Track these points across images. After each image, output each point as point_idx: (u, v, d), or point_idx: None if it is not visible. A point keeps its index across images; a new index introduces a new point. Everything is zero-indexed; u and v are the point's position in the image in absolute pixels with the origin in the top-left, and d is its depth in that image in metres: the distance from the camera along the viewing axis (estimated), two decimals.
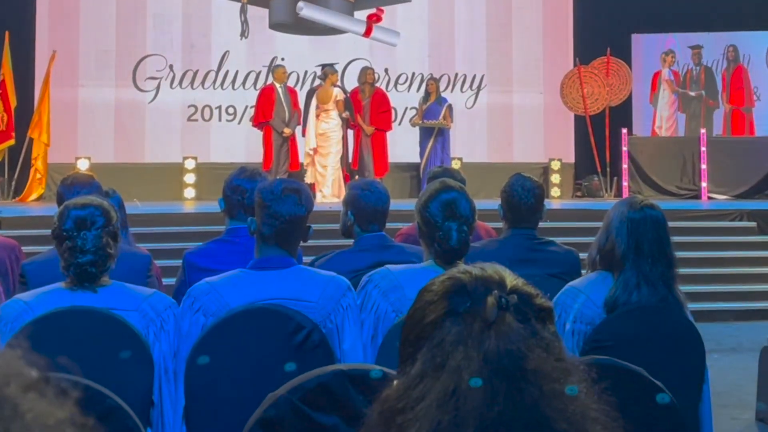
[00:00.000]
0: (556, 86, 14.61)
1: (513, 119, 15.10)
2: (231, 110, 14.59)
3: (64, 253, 2.92)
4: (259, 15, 14.67)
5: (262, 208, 3.11)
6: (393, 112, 13.58)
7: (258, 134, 13.03)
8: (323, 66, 13.42)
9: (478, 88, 15.07)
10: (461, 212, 3.17)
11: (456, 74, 15.03)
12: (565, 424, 1.15)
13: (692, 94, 14.99)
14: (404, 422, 1.16)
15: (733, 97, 14.90)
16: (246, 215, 3.57)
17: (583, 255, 3.85)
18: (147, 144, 14.28)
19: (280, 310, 2.93)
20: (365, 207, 3.98)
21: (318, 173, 12.53)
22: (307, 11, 14.26)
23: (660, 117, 14.99)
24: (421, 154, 13.10)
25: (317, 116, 12.64)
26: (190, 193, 13.80)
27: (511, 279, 1.26)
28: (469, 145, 14.65)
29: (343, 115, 12.60)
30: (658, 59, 15.06)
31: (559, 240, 4.47)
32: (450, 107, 13.37)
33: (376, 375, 1.86)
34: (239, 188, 3.88)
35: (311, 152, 12.67)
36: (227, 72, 14.64)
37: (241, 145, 14.05)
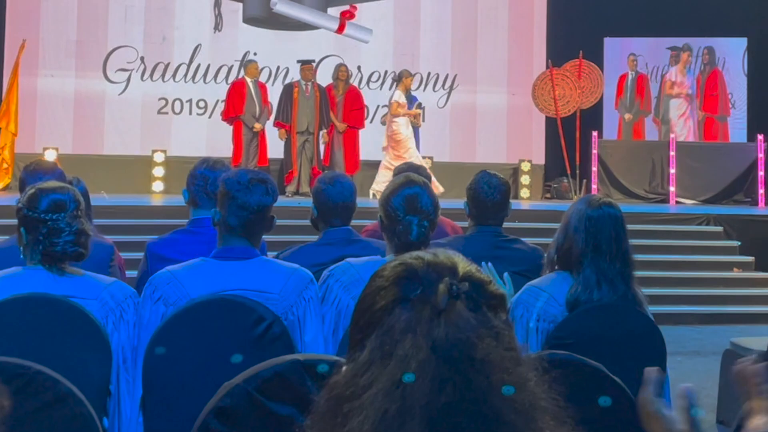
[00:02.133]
0: (528, 88, 14.66)
1: (484, 120, 15.12)
2: (202, 104, 14.50)
3: (42, 236, 2.88)
4: (232, 9, 14.60)
5: (229, 198, 3.09)
6: (366, 110, 13.59)
7: (229, 129, 12.98)
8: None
9: (450, 87, 15.08)
10: (423, 207, 3.17)
11: (428, 73, 15.03)
12: (514, 414, 1.13)
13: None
14: (350, 410, 1.14)
15: (707, 104, 14.97)
16: (210, 204, 3.55)
17: None
18: (116, 136, 14.15)
19: (241, 301, 2.91)
20: (327, 201, 3.97)
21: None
22: (281, 6, 14.21)
23: (670, 121, 14.95)
24: None
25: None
26: (158, 186, 13.71)
27: (464, 265, 1.24)
28: (440, 145, 14.66)
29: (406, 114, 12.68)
30: (626, 62, 15.10)
31: (527, 241, 4.47)
32: (420, 106, 13.39)
33: (323, 369, 1.85)
34: (202, 177, 3.87)
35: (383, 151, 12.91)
36: (199, 65, 14.56)
37: (211, 139, 13.97)
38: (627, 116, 14.94)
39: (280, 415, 1.88)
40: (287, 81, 13.81)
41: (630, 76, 15.05)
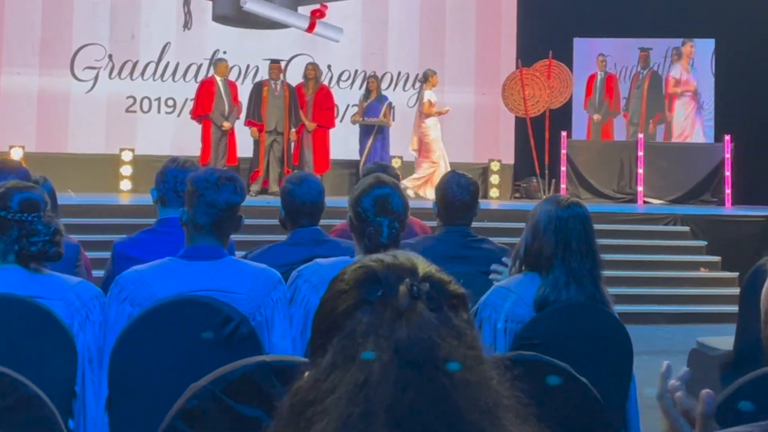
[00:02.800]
0: (497, 87, 14.70)
1: (452, 119, 15.13)
2: (170, 102, 14.42)
3: (18, 236, 2.85)
4: (202, 7, 14.52)
5: (197, 197, 3.07)
6: (336, 109, 13.58)
7: (198, 127, 12.93)
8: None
9: (421, 87, 15.08)
10: (393, 208, 3.16)
11: (398, 73, 15.04)
12: (478, 413, 1.13)
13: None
14: (314, 415, 1.14)
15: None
16: (179, 204, 3.53)
17: None
18: (83, 135, 14.02)
19: (208, 301, 2.89)
20: (295, 201, 3.96)
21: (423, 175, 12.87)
22: (251, 5, 14.16)
23: (675, 123, 15.01)
24: (361, 152, 13.13)
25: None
26: (126, 185, 13.61)
27: (424, 266, 1.24)
28: (409, 144, 14.66)
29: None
30: (595, 62, 15.17)
31: (496, 240, 4.48)
32: (390, 105, 13.41)
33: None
34: (171, 177, 3.85)
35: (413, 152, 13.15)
36: (168, 64, 14.47)
37: (179, 138, 13.88)
38: (596, 117, 15.02)
39: (247, 417, 1.87)
40: (257, 80, 13.77)
41: (599, 77, 15.11)
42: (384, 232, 3.12)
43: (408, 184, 12.26)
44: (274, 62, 13.15)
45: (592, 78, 15.13)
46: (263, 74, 13.58)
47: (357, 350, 1.16)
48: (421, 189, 12.76)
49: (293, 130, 12.95)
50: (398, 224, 3.17)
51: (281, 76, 13.14)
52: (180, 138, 13.81)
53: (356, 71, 14.88)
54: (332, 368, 1.16)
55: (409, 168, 13.25)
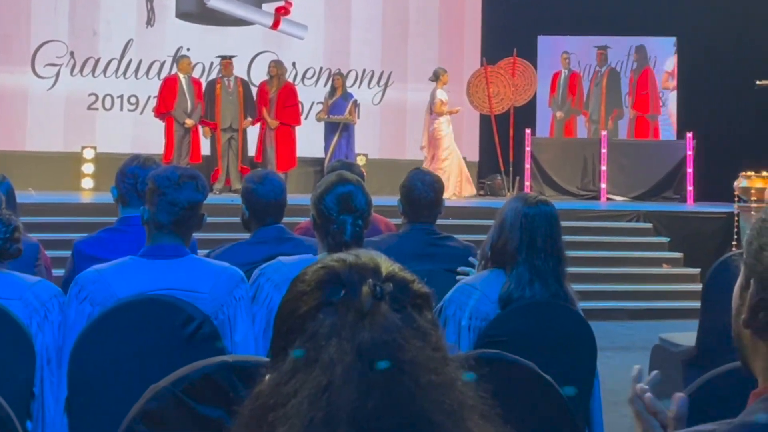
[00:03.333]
0: (460, 85, 14.73)
1: (417, 117, 15.15)
2: (133, 100, 14.30)
3: None
4: (164, 3, 14.42)
5: (159, 195, 3.03)
6: (300, 106, 13.54)
7: (161, 125, 12.83)
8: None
9: (385, 85, 15.10)
10: (357, 206, 3.14)
11: (363, 70, 15.03)
12: (442, 415, 1.12)
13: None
14: (276, 419, 1.11)
15: (638, 103, 15.17)
16: (140, 203, 3.49)
17: None
18: (43, 133, 13.88)
19: (170, 300, 2.86)
20: (259, 200, 3.93)
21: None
22: (214, 2, 14.09)
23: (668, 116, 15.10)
24: (326, 150, 13.11)
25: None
26: (88, 183, 13.48)
27: (387, 265, 1.22)
28: (375, 142, 14.68)
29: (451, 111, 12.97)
30: (559, 60, 15.23)
31: (461, 238, 4.48)
32: (356, 103, 13.42)
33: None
34: (132, 175, 3.80)
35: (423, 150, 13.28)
36: (130, 61, 14.35)
37: (142, 136, 13.76)
38: (559, 114, 15.09)
39: (208, 418, 1.85)
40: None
41: (563, 74, 15.18)
42: (347, 230, 3.10)
43: (453, 198, 12.53)
44: (225, 58, 13.11)
45: (556, 76, 15.20)
46: None
47: (319, 353, 1.13)
48: (461, 193, 13.00)
49: (248, 119, 12.85)
50: (362, 222, 3.15)
51: (233, 72, 13.07)
52: (143, 136, 13.70)
53: (321, 69, 14.84)
54: (294, 371, 1.14)
55: (375, 165, 13.24)
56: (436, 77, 13.19)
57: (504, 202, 3.42)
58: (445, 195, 12.52)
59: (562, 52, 15.13)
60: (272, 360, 1.21)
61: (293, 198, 9.34)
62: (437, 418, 1.11)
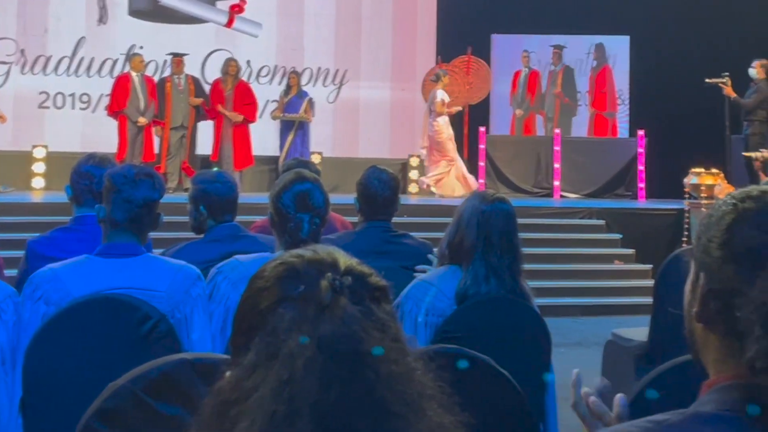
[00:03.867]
0: (414, 83, 14.77)
1: (372, 115, 15.19)
2: (85, 98, 14.16)
3: None
4: (117, 1, 14.30)
5: (115, 192, 3.02)
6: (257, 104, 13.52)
7: (113, 123, 12.71)
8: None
9: (340, 83, 15.09)
10: (314, 204, 3.16)
11: (318, 68, 15.01)
12: (403, 405, 1.14)
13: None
14: (237, 414, 1.13)
15: (597, 101, 15.31)
16: (95, 202, 3.46)
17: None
18: None
19: (126, 299, 2.84)
20: (218, 199, 3.92)
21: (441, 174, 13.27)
22: None
23: None
24: (281, 148, 13.09)
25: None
26: (39, 182, 13.31)
27: (345, 259, 1.24)
28: (330, 140, 14.67)
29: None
30: (519, 59, 15.34)
31: (416, 235, 4.50)
32: (311, 101, 13.41)
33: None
34: (87, 174, 3.77)
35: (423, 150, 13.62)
36: (82, 59, 14.20)
37: (94, 135, 13.62)
38: (518, 112, 15.18)
39: (167, 416, 1.84)
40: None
41: (523, 73, 15.27)
42: (304, 228, 3.11)
43: (428, 182, 13.03)
44: (176, 56, 13.01)
45: (517, 74, 15.29)
46: None
47: (280, 347, 1.14)
48: (438, 187, 13.22)
49: (198, 105, 12.76)
50: (319, 220, 3.16)
51: (185, 70, 12.99)
52: (94, 134, 13.57)
53: (275, 67, 14.80)
54: (255, 367, 1.15)
55: (330, 163, 13.21)
56: (437, 78, 13.39)
57: (463, 200, 3.46)
58: (456, 194, 12.84)
59: (523, 51, 15.23)
60: (233, 357, 1.22)
61: (248, 197, 9.33)
62: (398, 408, 1.13)
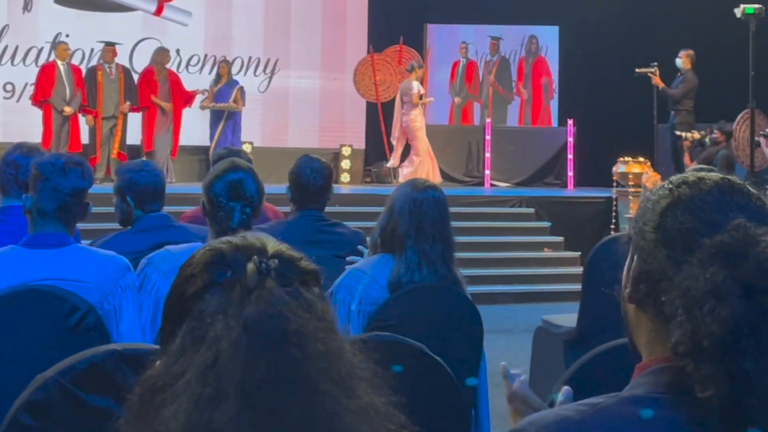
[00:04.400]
0: (346, 73, 14.76)
1: (306, 104, 15.13)
2: (9, 87, 13.85)
3: None
4: None
5: (43, 181, 2.96)
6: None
7: (38, 113, 12.46)
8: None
9: (271, 72, 15.00)
10: (246, 193, 3.14)
11: (249, 57, 14.89)
12: (331, 384, 1.14)
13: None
14: (164, 400, 1.12)
15: (534, 91, 15.55)
16: (21, 193, 3.39)
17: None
18: None
19: (53, 291, 2.80)
20: (145, 188, 3.88)
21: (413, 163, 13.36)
22: None
23: None
24: (211, 138, 12.99)
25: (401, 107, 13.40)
26: None
27: (274, 245, 1.24)
28: (260, 129, 14.59)
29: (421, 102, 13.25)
30: (458, 49, 15.43)
31: (349, 224, 4.51)
32: (242, 90, 13.31)
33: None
34: (14, 163, 3.70)
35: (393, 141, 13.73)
36: (6, 47, 13.87)
37: (18, 124, 13.34)
38: (456, 99, 15.31)
39: (97, 408, 1.82)
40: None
41: (461, 63, 15.42)
42: (235, 217, 3.10)
43: (405, 172, 13.07)
44: (109, 45, 12.82)
45: (456, 64, 15.44)
46: None
47: (206, 331, 1.14)
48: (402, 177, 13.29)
49: (127, 103, 12.61)
50: (250, 210, 3.14)
51: (115, 59, 12.81)
52: (16, 124, 13.28)
53: (205, 56, 14.64)
54: (182, 352, 1.15)
55: (262, 153, 13.12)
56: (411, 69, 13.43)
57: (394, 189, 3.47)
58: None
59: (461, 42, 15.39)
60: (162, 346, 1.21)
61: (178, 187, 9.23)
62: (325, 387, 1.13)
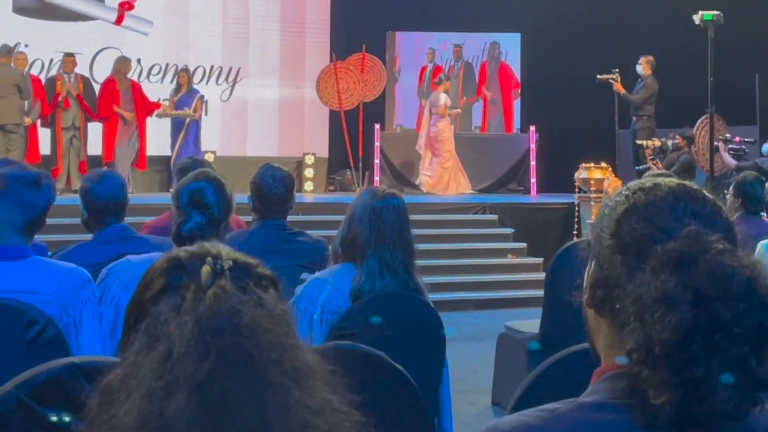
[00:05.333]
0: (309, 81, 14.75)
1: (268, 113, 15.12)
2: None
3: None
4: None
5: (12, 194, 2.92)
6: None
7: None
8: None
9: (234, 81, 14.96)
10: (204, 201, 3.13)
11: (211, 66, 14.85)
12: (283, 376, 1.15)
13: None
14: (119, 399, 1.13)
15: (505, 96, 15.79)
16: None
17: None
18: None
19: (11, 303, 2.76)
20: (97, 200, 3.85)
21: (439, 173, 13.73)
22: None
23: None
24: (172, 147, 12.91)
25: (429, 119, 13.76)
26: None
27: (230, 252, 1.26)
28: (223, 139, 14.54)
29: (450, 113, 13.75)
30: (424, 56, 15.69)
31: (312, 233, 4.50)
32: (202, 99, 13.26)
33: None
34: None
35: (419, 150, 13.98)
36: None
37: None
38: (423, 102, 15.45)
39: (54, 422, 1.80)
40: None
41: (429, 68, 15.68)
42: (188, 222, 3.09)
43: (423, 179, 13.66)
44: (68, 55, 12.72)
45: (423, 69, 15.77)
46: None
47: (161, 329, 1.16)
48: (429, 186, 13.71)
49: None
50: (206, 219, 3.11)
51: (75, 69, 12.71)
52: None
53: (167, 65, 14.57)
54: (138, 351, 1.17)
55: (224, 162, 13.07)
56: (440, 81, 13.89)
57: (354, 197, 3.48)
58: (448, 192, 13.35)
59: (429, 48, 15.75)
60: (121, 352, 1.22)
61: (139, 197, 9.14)
62: (277, 378, 1.15)
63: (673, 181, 1.41)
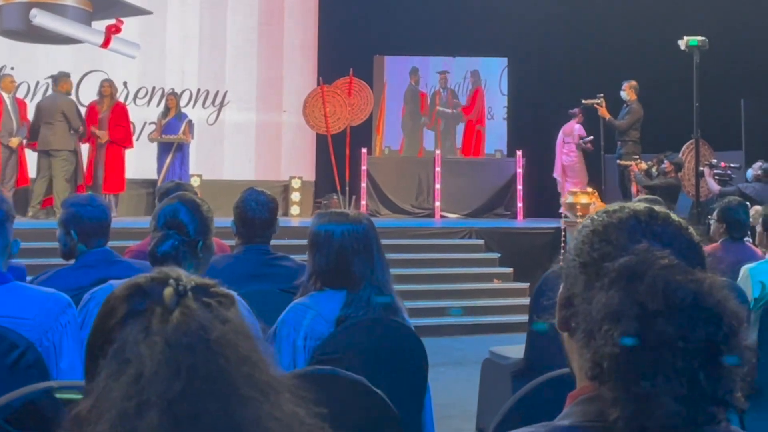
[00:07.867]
0: (298, 105, 14.79)
1: (254, 137, 15.13)
2: None
3: None
4: None
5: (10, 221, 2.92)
6: (132, 127, 13.24)
7: None
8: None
9: (221, 104, 14.98)
10: (178, 222, 3.12)
11: (198, 90, 14.87)
12: (253, 390, 1.17)
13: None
14: (90, 421, 1.13)
15: (470, 121, 15.86)
16: None
17: None
18: None
19: None
20: (88, 223, 3.84)
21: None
22: (40, 19, 13.62)
23: None
24: (159, 170, 12.88)
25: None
26: None
27: (188, 276, 1.28)
28: (210, 162, 14.53)
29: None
30: (409, 79, 15.85)
31: (298, 258, 4.49)
32: (190, 123, 13.25)
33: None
34: None
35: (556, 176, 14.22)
36: None
37: None
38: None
39: None
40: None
41: (443, 95, 15.88)
42: (163, 244, 3.08)
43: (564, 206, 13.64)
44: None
45: (437, 93, 15.94)
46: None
47: (130, 352, 1.17)
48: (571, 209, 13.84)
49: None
50: (178, 241, 3.10)
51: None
52: None
53: (154, 88, 14.58)
54: (108, 377, 1.17)
55: (210, 186, 13.05)
56: (573, 115, 13.87)
57: (312, 221, 3.48)
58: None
59: (441, 71, 15.93)
60: (87, 381, 1.22)
61: (124, 221, 9.12)
62: (248, 392, 1.16)
63: (642, 204, 1.43)
